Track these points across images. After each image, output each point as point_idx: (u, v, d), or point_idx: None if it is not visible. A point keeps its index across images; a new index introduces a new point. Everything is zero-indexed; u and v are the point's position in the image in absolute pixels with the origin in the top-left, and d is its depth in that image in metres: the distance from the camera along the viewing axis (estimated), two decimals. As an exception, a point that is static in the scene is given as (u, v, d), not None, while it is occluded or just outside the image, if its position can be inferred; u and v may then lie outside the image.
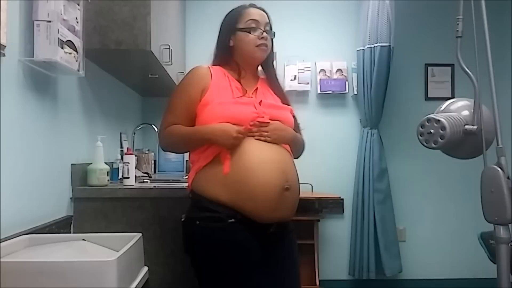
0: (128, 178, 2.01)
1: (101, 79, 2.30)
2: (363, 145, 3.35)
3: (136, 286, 1.18)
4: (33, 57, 1.41)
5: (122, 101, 2.79)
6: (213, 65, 1.68)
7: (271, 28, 1.65)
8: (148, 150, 3.01)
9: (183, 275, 1.88)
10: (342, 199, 3.39)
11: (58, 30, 1.43)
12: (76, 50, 1.59)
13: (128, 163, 2.02)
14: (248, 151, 1.46)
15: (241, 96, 1.56)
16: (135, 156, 2.72)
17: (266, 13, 1.65)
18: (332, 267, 3.36)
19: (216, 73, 1.61)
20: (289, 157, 1.55)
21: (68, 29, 1.52)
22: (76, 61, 1.60)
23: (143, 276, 1.29)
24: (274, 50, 1.72)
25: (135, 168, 2.61)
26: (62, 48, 1.47)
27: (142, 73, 2.46)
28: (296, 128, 1.68)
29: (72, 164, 1.85)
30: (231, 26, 1.62)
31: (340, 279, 3.37)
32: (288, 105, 1.67)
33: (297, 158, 1.69)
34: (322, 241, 3.33)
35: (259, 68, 1.72)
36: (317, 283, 3.03)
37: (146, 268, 1.36)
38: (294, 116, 1.67)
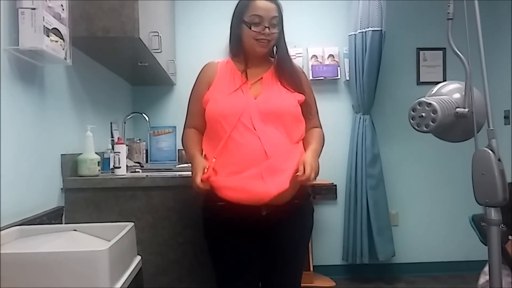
0: (120, 167, 1.99)
1: (89, 67, 2.26)
2: (356, 131, 3.36)
3: (129, 275, 1.18)
4: (18, 45, 1.38)
5: (111, 90, 2.76)
6: (231, 53, 1.70)
7: (281, 20, 1.63)
8: (139, 139, 2.99)
9: (176, 263, 1.89)
10: (335, 185, 3.40)
11: (43, 17, 1.40)
12: (62, 38, 1.56)
13: (119, 152, 2.00)
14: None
15: (236, 90, 1.58)
16: (126, 145, 2.70)
17: (277, 4, 1.62)
18: (326, 253, 3.39)
19: (222, 68, 1.66)
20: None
21: (53, 17, 1.48)
22: (63, 49, 1.57)
23: (136, 265, 1.28)
24: None
25: (127, 157, 2.59)
26: (48, 36, 1.43)
27: (131, 61, 2.43)
28: (307, 115, 1.65)
29: (61, 154, 1.82)
30: (239, 16, 1.62)
31: (334, 264, 3.39)
32: (300, 92, 1.63)
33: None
34: (315, 227, 3.32)
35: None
36: (311, 268, 3.05)
37: (139, 257, 1.36)
38: (306, 102, 1.64)
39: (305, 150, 1.64)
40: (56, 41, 1.51)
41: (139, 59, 2.36)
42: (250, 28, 1.57)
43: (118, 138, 2.17)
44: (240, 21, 1.61)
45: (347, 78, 3.43)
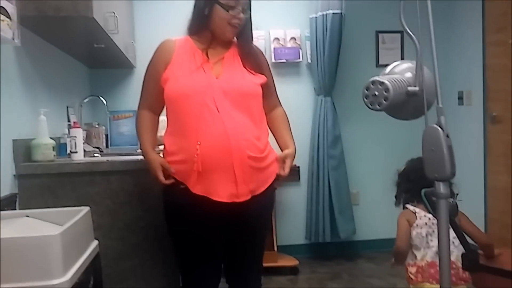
0: (76, 152, 1.94)
1: (41, 49, 2.17)
2: (317, 113, 3.40)
3: (85, 260, 1.16)
4: (-41, 24, 1.30)
5: (67, 73, 2.66)
6: (189, 31, 1.65)
7: (250, 6, 1.61)
8: (98, 124, 2.91)
9: (138, 247, 1.87)
10: (298, 167, 3.44)
11: (-14, -6, 1.32)
12: (9, 17, 1.48)
13: (75, 137, 1.94)
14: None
15: (198, 67, 1.54)
16: (84, 130, 2.63)
17: None
18: (289, 233, 3.46)
19: (180, 46, 1.61)
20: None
21: (-2, -6, 1.41)
22: (10, 29, 1.50)
23: (93, 250, 1.26)
24: None
25: (85, 142, 2.53)
26: (-8, 14, 1.36)
27: (86, 42, 2.34)
28: (268, 96, 1.67)
29: (13, 139, 1.75)
30: None
31: (298, 244, 3.47)
32: (262, 73, 1.64)
33: None
34: (279, 208, 3.40)
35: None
36: (275, 248, 3.10)
37: (96, 242, 1.33)
38: (266, 84, 1.64)
39: (274, 131, 1.72)
40: (3, 21, 1.43)
41: (94, 40, 2.27)
42: (228, 11, 1.54)
43: (74, 122, 2.10)
44: (213, 2, 1.55)
45: (309, 61, 3.45)
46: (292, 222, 3.48)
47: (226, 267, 1.67)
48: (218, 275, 1.65)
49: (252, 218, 1.60)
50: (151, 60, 1.64)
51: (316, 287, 2.92)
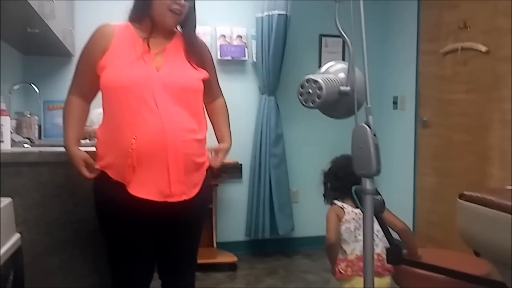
0: (2, 142, 1.82)
1: (-34, 30, 2.02)
2: (261, 112, 3.44)
3: (3, 254, 1.09)
4: None
5: (-4, 58, 2.49)
6: (130, 19, 1.58)
7: None
8: (30, 113, 2.75)
9: (68, 243, 1.79)
10: (241, 164, 3.47)
11: None
12: None
13: (2, 125, 1.82)
14: None
15: (139, 57, 1.48)
16: (15, 119, 2.48)
17: None
18: (229, 230, 3.47)
19: (120, 32, 1.53)
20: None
21: None
22: None
23: (13, 244, 1.19)
24: None
25: (15, 132, 2.39)
26: None
27: (18, 26, 2.20)
28: (209, 89, 1.64)
29: None
30: None
31: (237, 241, 3.49)
32: (204, 68, 1.60)
33: None
34: (220, 205, 3.40)
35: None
36: (214, 245, 3.10)
37: (17, 236, 1.26)
38: (208, 80, 1.61)
39: (213, 122, 1.74)
40: None
41: (28, 24, 2.15)
42: None
43: (2, 109, 1.97)
44: None
45: (254, 60, 3.48)
46: (232, 219, 3.50)
47: (159, 263, 1.64)
48: (151, 271, 1.62)
49: (187, 218, 1.57)
50: (86, 44, 1.56)
51: (252, 283, 2.95)
